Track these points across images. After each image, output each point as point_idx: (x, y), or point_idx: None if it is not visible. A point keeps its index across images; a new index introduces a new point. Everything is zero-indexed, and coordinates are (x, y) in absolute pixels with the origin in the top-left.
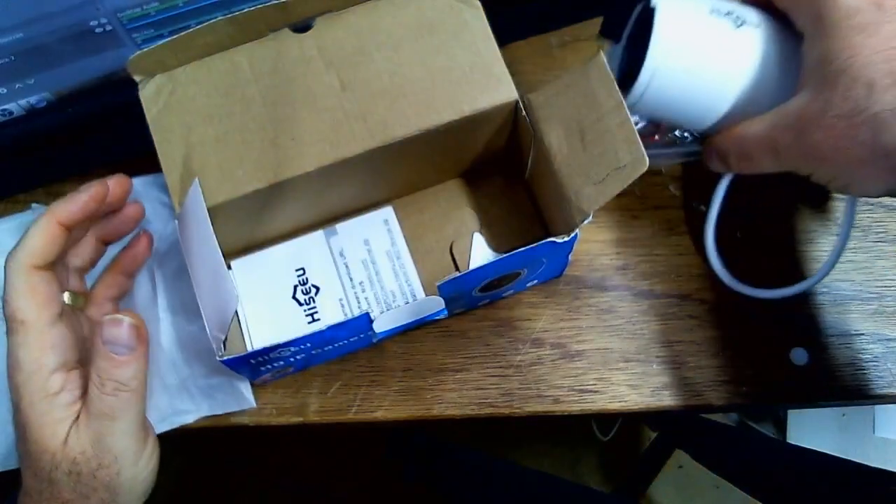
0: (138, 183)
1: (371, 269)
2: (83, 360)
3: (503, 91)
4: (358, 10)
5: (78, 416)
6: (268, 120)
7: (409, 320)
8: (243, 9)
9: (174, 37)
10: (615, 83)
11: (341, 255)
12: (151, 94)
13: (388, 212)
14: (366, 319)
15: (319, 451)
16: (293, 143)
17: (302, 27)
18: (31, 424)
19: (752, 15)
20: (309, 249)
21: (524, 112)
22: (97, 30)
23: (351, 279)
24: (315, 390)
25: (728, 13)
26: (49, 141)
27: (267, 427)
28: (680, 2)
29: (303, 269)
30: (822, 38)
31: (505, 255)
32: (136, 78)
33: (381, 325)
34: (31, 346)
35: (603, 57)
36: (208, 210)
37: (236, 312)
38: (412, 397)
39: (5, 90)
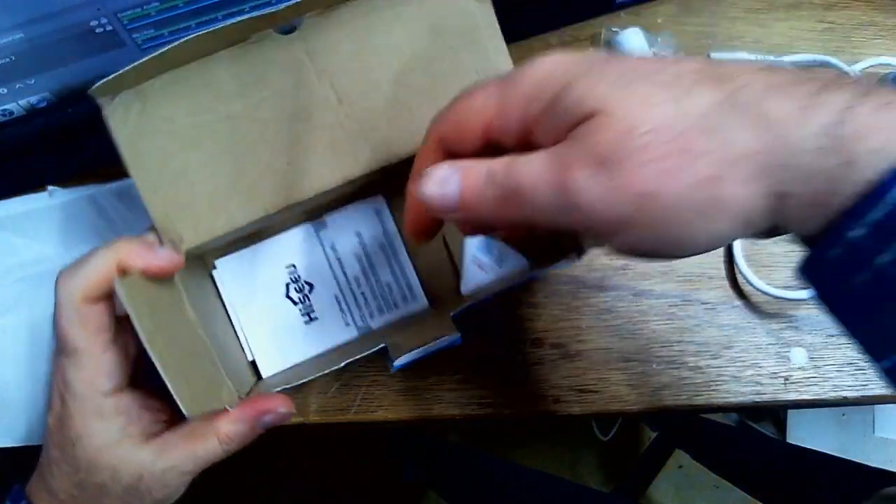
0: (80, 194)
1: (365, 262)
2: (132, 378)
3: None
4: (352, 7)
5: (146, 439)
6: (259, 141)
7: (428, 353)
8: (244, 8)
9: (142, 60)
10: None
11: (333, 248)
12: (119, 115)
13: (379, 202)
14: (383, 349)
15: (319, 451)
16: (290, 167)
17: (287, 28)
18: (84, 442)
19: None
20: (298, 244)
21: None
22: (97, 30)
23: (345, 274)
24: (315, 390)
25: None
26: (49, 141)
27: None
28: None
29: (293, 265)
30: None
31: (517, 279)
32: (99, 100)
33: (400, 361)
34: (84, 370)
35: None
36: (200, 244)
37: (229, 318)
38: (412, 397)
39: (5, 90)
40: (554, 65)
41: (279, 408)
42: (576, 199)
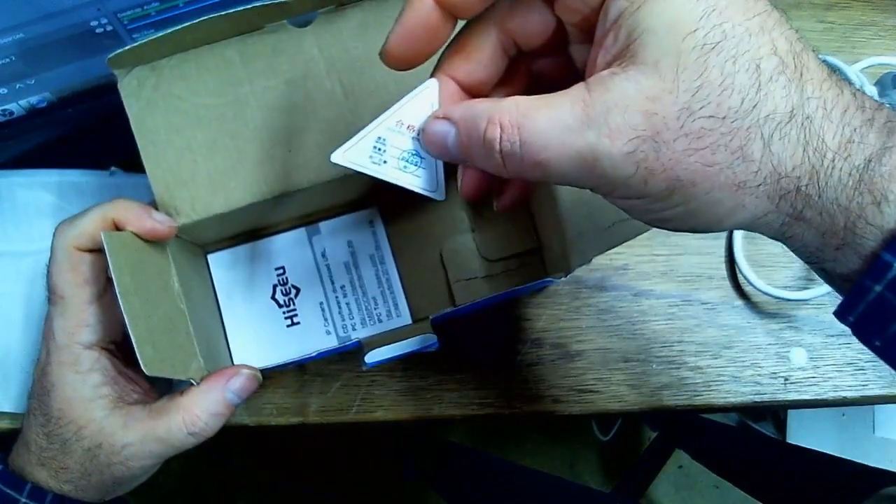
0: (139, 180)
1: (353, 273)
2: (119, 341)
3: None
4: (365, 6)
5: (116, 406)
6: (263, 127)
7: (402, 353)
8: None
9: (161, 34)
10: None
11: (323, 255)
12: (133, 88)
13: (373, 212)
14: (356, 345)
15: (319, 451)
16: (291, 155)
17: (302, 21)
18: (58, 391)
19: None
20: (290, 248)
21: None
22: (98, 30)
23: (332, 282)
24: (315, 390)
25: None
26: (49, 141)
27: (267, 427)
28: None
29: (283, 268)
30: None
31: (501, 293)
32: (116, 71)
33: (372, 358)
34: (67, 318)
35: None
36: (196, 222)
37: (219, 309)
38: (412, 397)
39: (6, 90)
40: None
41: (242, 370)
42: (604, 174)
